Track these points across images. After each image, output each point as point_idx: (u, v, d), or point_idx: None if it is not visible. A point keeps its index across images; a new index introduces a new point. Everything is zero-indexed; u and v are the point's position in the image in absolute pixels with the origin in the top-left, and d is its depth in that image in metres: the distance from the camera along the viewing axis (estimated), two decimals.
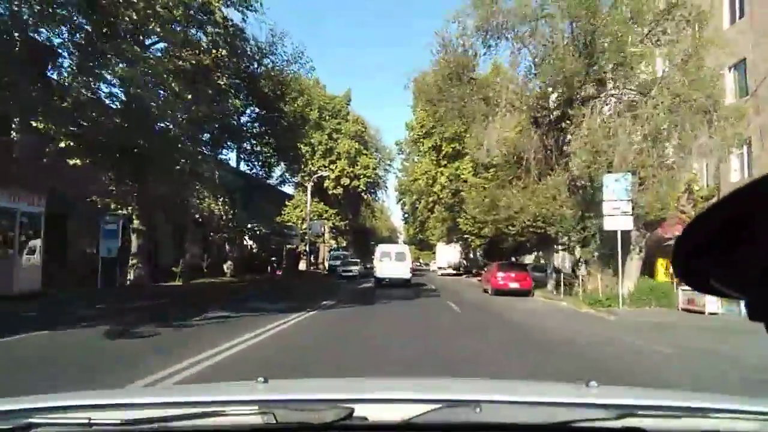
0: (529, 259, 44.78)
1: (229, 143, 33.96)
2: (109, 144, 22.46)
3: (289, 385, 2.36)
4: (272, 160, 35.33)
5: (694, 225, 0.64)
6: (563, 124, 18.04)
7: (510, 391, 1.92)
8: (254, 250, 40.47)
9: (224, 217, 33.67)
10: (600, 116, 16.83)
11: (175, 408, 1.45)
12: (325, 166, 51.62)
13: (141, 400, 1.66)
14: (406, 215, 77.27)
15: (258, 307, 15.77)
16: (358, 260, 40.98)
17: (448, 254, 50.14)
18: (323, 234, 57.68)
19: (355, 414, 1.34)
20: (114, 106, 22.94)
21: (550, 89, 19.02)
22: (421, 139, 33.27)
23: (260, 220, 38.88)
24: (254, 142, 34.62)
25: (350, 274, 35.93)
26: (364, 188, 55.22)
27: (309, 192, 49.55)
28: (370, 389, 1.90)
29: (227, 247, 34.81)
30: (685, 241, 0.65)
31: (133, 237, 24.09)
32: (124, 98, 22.71)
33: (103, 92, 22.28)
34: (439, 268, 51.66)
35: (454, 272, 48.96)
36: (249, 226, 36.87)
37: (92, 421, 1.34)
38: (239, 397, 1.69)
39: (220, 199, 33.51)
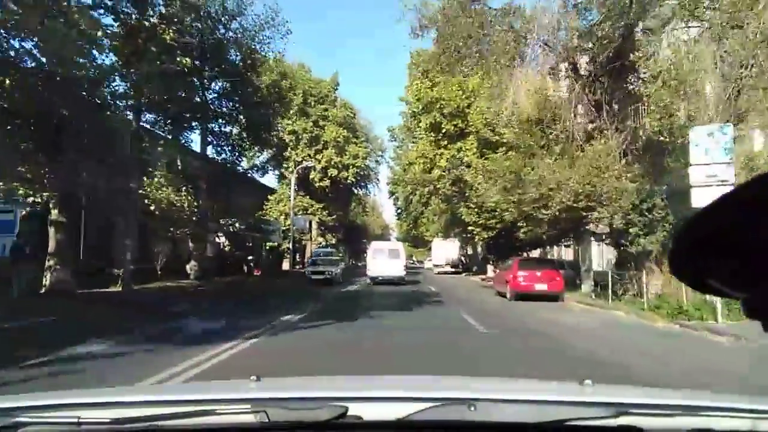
0: (531, 254, 39.30)
1: (192, 123, 28.29)
2: (18, 112, 16.88)
3: (282, 383, 2.19)
4: (243, 143, 29.46)
5: (694, 221, 0.61)
6: (626, 61, 12.40)
7: (505, 390, 1.86)
8: (226, 248, 34.63)
9: (188, 211, 27.88)
10: (684, 43, 11.26)
11: (166, 407, 1.38)
12: (311, 156, 45.87)
13: (131, 399, 1.55)
14: (399, 210, 71.67)
15: (178, 330, 10.10)
16: (338, 258, 31.95)
17: (445, 250, 44.33)
18: (309, 230, 51.97)
19: (349, 413, 1.28)
20: (24, 64, 17.24)
21: (597, 19, 13.41)
22: (418, 115, 27.67)
23: (234, 214, 33.13)
24: (222, 121, 28.81)
25: (321, 277, 25.66)
26: (354, 180, 49.46)
27: (293, 183, 43.79)
28: (364, 388, 1.81)
29: (191, 245, 28.99)
30: (684, 237, 0.62)
31: (51, 231, 18.29)
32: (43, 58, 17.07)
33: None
34: (436, 265, 45.83)
35: (453, 270, 43.29)
36: (220, 221, 31.01)
37: (81, 420, 1.28)
38: (232, 396, 1.58)
39: (183, 189, 27.82)
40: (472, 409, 1.34)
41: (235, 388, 1.86)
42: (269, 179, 59.37)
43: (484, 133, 25.86)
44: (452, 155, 27.80)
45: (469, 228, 26.90)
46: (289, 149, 46.29)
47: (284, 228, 44.24)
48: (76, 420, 1.27)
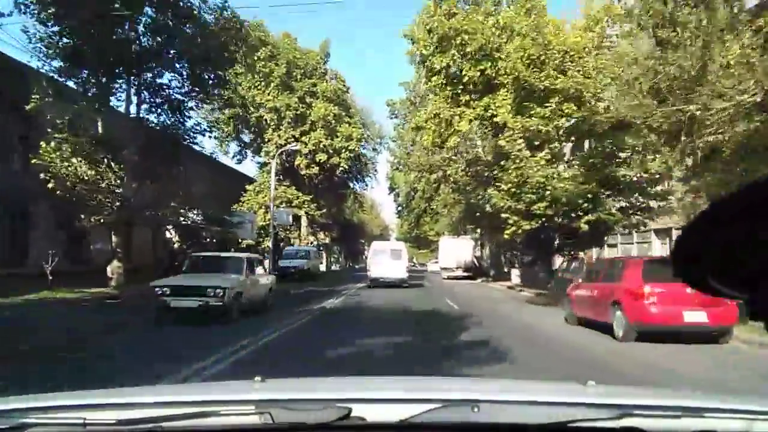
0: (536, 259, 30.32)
1: (116, 70, 19.37)
2: None
3: (286, 384, 2.07)
4: (186, 99, 20.37)
5: (696, 222, 0.59)
6: None
7: (508, 391, 1.77)
8: (175, 245, 25.58)
9: (107, 191, 19.03)
10: None
11: (171, 408, 1.31)
12: (296, 138, 36.91)
13: (136, 400, 1.46)
14: (400, 208, 62.86)
15: None
16: (241, 261, 12.77)
17: (456, 251, 34.99)
18: (298, 227, 43.01)
19: (352, 414, 1.24)
20: None
21: None
22: (430, 58, 18.74)
23: (187, 201, 24.21)
24: (157, 68, 19.81)
25: (192, 304, 10.36)
26: (346, 168, 40.39)
27: (273, 170, 34.81)
28: (368, 389, 1.73)
29: (114, 239, 20.00)
30: (686, 237, 0.61)
31: None
32: None
33: None
34: (444, 269, 36.48)
35: (465, 275, 34.17)
36: (166, 209, 21.92)
37: (87, 421, 1.23)
38: (236, 397, 1.54)
39: (104, 163, 19.02)
40: (476, 410, 1.29)
41: (239, 389, 1.79)
42: (249, 167, 50.60)
43: (527, 77, 16.93)
44: (478, 114, 18.90)
45: (503, 216, 17.96)
46: (270, 130, 37.43)
47: (264, 223, 35.33)
48: (81, 421, 1.23)
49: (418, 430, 1.31)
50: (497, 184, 18.76)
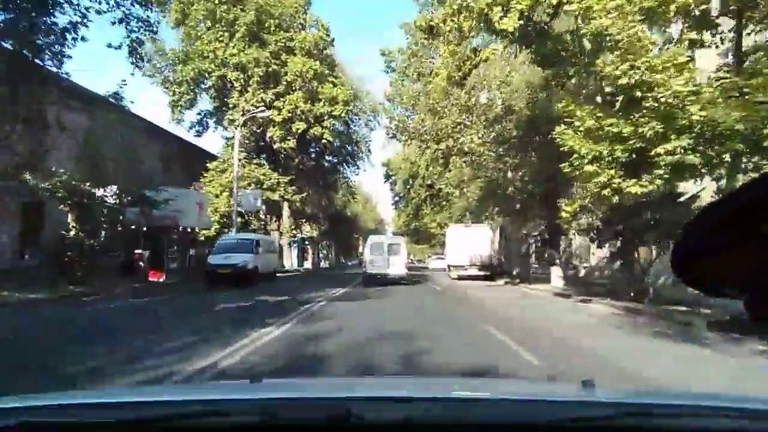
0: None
1: None
2: None
3: (284, 384, 2.10)
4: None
5: (696, 223, 0.58)
6: None
7: (509, 390, 1.76)
8: (71, 233, 16.87)
9: None
10: None
11: (169, 407, 1.27)
12: (267, 104, 28.33)
13: (133, 400, 1.42)
14: (397, 198, 54.44)
15: None
16: None
17: (470, 243, 26.00)
18: (278, 218, 34.54)
19: (351, 413, 1.17)
20: None
21: None
22: None
23: (85, 170, 15.65)
24: None
25: None
26: (330, 141, 31.80)
27: (236, 141, 26.26)
28: (367, 388, 1.72)
29: None
30: (686, 238, 0.59)
31: None
32: None
33: None
34: (453, 266, 27.52)
35: (482, 274, 25.54)
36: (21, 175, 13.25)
37: (84, 421, 1.19)
38: (234, 397, 1.48)
39: None
40: (476, 409, 1.28)
41: (237, 389, 1.73)
42: (215, 144, 41.97)
43: None
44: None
45: (587, 170, 9.48)
46: (235, 94, 28.84)
47: (228, 209, 26.83)
48: (78, 421, 1.19)
49: (417, 429, 1.23)
50: (567, 119, 10.30)
